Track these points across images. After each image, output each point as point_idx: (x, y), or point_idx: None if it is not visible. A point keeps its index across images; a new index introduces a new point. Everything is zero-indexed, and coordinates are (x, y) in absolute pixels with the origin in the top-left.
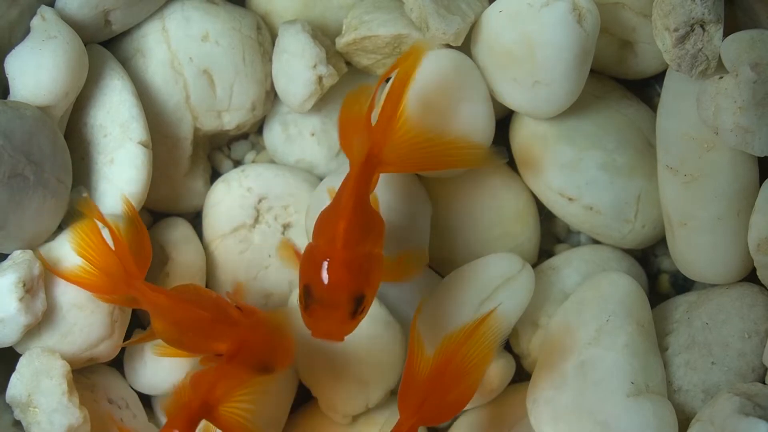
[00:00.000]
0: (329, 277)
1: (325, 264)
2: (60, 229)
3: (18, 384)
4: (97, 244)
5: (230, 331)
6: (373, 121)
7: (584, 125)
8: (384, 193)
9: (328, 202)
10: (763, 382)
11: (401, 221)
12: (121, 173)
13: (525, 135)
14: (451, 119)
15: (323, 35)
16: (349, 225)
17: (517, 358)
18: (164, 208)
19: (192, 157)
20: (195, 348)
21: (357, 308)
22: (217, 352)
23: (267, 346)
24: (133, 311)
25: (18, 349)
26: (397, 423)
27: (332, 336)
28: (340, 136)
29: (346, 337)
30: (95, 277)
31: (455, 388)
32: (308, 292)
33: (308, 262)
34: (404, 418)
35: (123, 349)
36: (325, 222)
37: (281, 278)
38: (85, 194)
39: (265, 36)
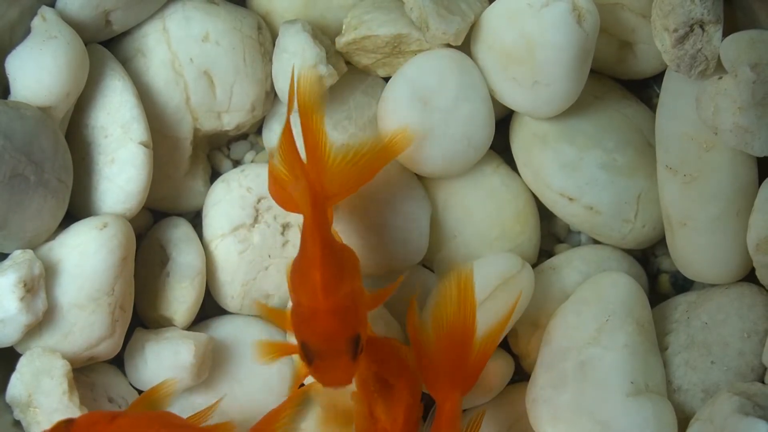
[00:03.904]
0: (321, 331)
1: (314, 319)
2: (60, 228)
3: (18, 384)
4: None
5: None
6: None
7: (584, 125)
8: (384, 193)
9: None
10: (763, 382)
11: (401, 221)
12: (121, 173)
13: (525, 135)
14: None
15: (323, 35)
16: (324, 273)
17: (517, 358)
18: (164, 208)
19: (192, 157)
20: None
21: (356, 349)
22: None
23: None
24: (134, 311)
25: (18, 349)
26: (437, 408)
27: (341, 383)
28: (272, 191)
29: None
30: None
31: (470, 350)
32: (307, 349)
33: (298, 320)
34: (441, 400)
35: (123, 348)
36: (300, 275)
37: (281, 278)
38: None
39: (265, 36)
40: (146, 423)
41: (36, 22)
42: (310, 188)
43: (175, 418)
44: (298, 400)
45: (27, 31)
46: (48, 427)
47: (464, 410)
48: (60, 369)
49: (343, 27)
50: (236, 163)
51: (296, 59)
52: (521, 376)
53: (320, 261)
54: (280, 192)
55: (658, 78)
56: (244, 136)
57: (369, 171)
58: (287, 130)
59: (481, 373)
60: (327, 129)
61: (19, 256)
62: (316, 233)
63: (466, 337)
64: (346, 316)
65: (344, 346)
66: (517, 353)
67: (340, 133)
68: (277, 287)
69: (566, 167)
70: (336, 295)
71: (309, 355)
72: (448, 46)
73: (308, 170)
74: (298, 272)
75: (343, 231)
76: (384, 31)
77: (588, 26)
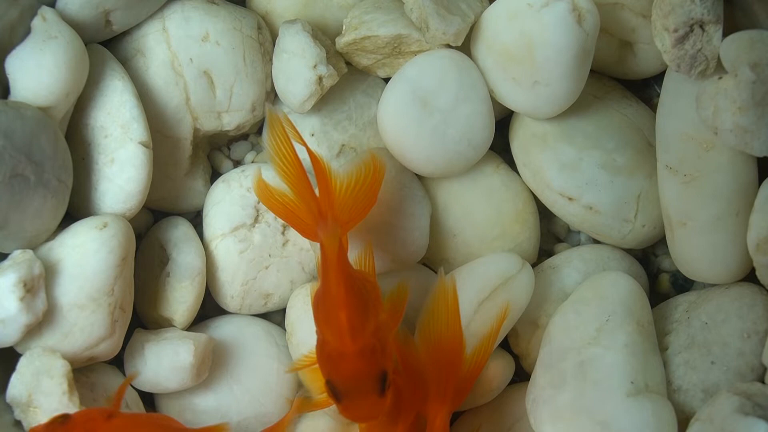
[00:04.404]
0: (350, 372)
1: (342, 361)
2: (60, 228)
3: (18, 384)
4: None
5: None
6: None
7: (584, 125)
8: (384, 192)
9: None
10: (763, 382)
11: (401, 221)
12: (121, 173)
13: (525, 135)
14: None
15: (323, 35)
16: (349, 315)
17: (517, 358)
18: (165, 208)
19: (192, 157)
20: None
21: (383, 386)
22: None
23: None
24: (134, 311)
25: (18, 349)
26: (427, 423)
27: (370, 418)
28: (277, 210)
29: None
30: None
31: (459, 364)
32: (334, 387)
33: (325, 358)
34: (431, 415)
35: (123, 348)
36: (325, 313)
37: (281, 278)
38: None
39: (265, 36)
40: (142, 423)
41: (36, 22)
42: (334, 226)
43: (171, 421)
44: (301, 410)
45: (27, 31)
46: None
47: (464, 411)
48: (60, 369)
49: (343, 27)
50: (236, 164)
51: (296, 59)
52: (521, 376)
53: (345, 301)
54: (289, 215)
55: (658, 78)
56: (244, 137)
57: (372, 194)
58: (298, 164)
59: (471, 387)
60: (331, 128)
61: (19, 256)
62: (340, 273)
63: (455, 351)
64: (373, 356)
65: (372, 385)
66: (517, 353)
67: (340, 133)
68: (277, 287)
69: (566, 167)
70: (362, 335)
71: (337, 393)
72: (448, 46)
73: (326, 206)
74: (323, 310)
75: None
76: (384, 31)
77: (588, 26)
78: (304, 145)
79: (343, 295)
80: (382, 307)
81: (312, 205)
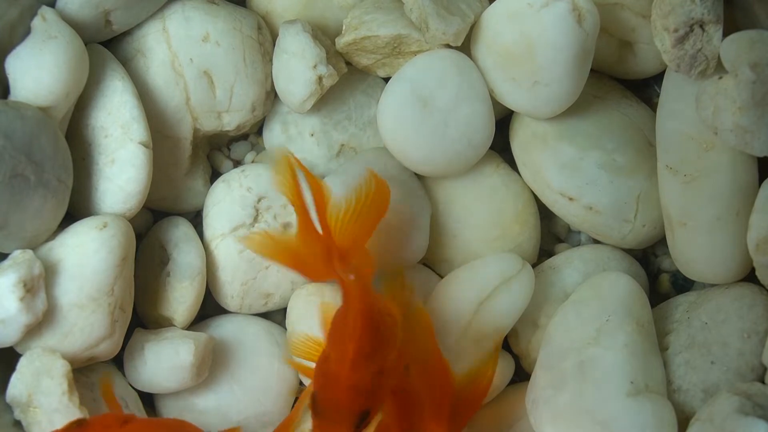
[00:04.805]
0: (334, 398)
1: (334, 384)
2: (60, 228)
3: (18, 384)
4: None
5: None
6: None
7: (584, 125)
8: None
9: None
10: (763, 382)
11: (401, 221)
12: (121, 173)
13: (525, 135)
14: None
15: (323, 35)
16: (357, 350)
17: (517, 358)
18: (165, 208)
19: (192, 157)
20: None
21: (360, 423)
22: None
23: None
24: (134, 310)
25: (18, 349)
26: None
27: None
28: (288, 261)
29: None
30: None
31: (449, 385)
32: (315, 403)
33: (320, 372)
34: None
35: (123, 348)
36: (337, 335)
37: (281, 278)
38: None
39: (265, 36)
40: (158, 428)
41: (36, 22)
42: (325, 250)
43: (187, 426)
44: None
45: (27, 31)
46: (50, 427)
47: None
48: (60, 369)
49: (343, 27)
50: (236, 164)
51: (296, 59)
52: (521, 376)
53: (358, 336)
54: (298, 262)
55: (658, 78)
56: (244, 137)
57: (375, 217)
58: (301, 206)
59: (476, 409)
60: (331, 128)
61: (19, 256)
62: (360, 306)
63: (441, 372)
64: (362, 394)
65: (348, 419)
66: (517, 353)
67: (339, 133)
68: (277, 286)
69: (566, 167)
70: (363, 372)
71: (315, 408)
72: (448, 46)
73: (332, 243)
74: (337, 329)
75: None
76: (384, 31)
77: (588, 26)
78: (306, 173)
79: (359, 330)
80: (396, 347)
81: (317, 245)
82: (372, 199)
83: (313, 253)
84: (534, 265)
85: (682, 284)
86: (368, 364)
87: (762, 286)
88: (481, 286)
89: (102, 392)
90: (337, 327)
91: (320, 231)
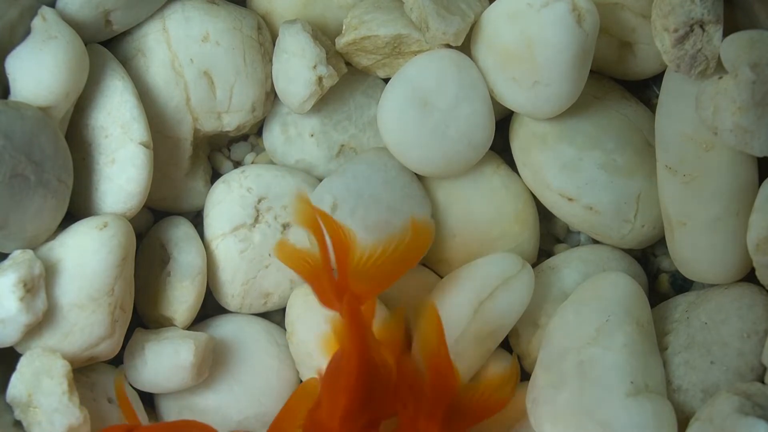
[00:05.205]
0: None
1: None
2: (61, 228)
3: (18, 384)
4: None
5: None
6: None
7: (584, 125)
8: (384, 192)
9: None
10: (762, 382)
11: (401, 221)
12: (122, 173)
13: (525, 135)
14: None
15: (323, 35)
16: (348, 404)
17: (517, 358)
18: (165, 208)
19: (192, 157)
20: None
21: None
22: None
23: None
24: (134, 310)
25: (19, 349)
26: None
27: None
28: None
29: None
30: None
31: (452, 386)
32: None
33: (310, 422)
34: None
35: (123, 348)
36: (332, 378)
37: (281, 278)
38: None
39: (265, 36)
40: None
41: (36, 22)
42: (337, 291)
43: (195, 426)
44: (304, 394)
45: (27, 31)
46: (50, 427)
47: None
48: (60, 369)
49: (343, 27)
50: (237, 164)
51: (296, 59)
52: (521, 376)
53: (350, 387)
54: (314, 278)
55: (658, 78)
56: (244, 137)
57: (400, 267)
58: (322, 244)
59: (475, 422)
60: (331, 129)
61: (19, 256)
62: (354, 352)
63: (446, 373)
64: None
65: None
66: (517, 353)
67: (340, 133)
68: (277, 286)
69: (566, 167)
70: (352, 425)
71: None
72: (448, 46)
73: (344, 281)
74: (331, 376)
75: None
76: (384, 31)
77: (588, 26)
78: (327, 219)
79: (352, 381)
80: (390, 395)
81: (330, 278)
82: (405, 248)
83: (328, 286)
84: (533, 266)
85: (682, 284)
86: (359, 417)
87: (762, 286)
88: (481, 286)
89: (116, 391)
90: (331, 373)
91: (336, 273)
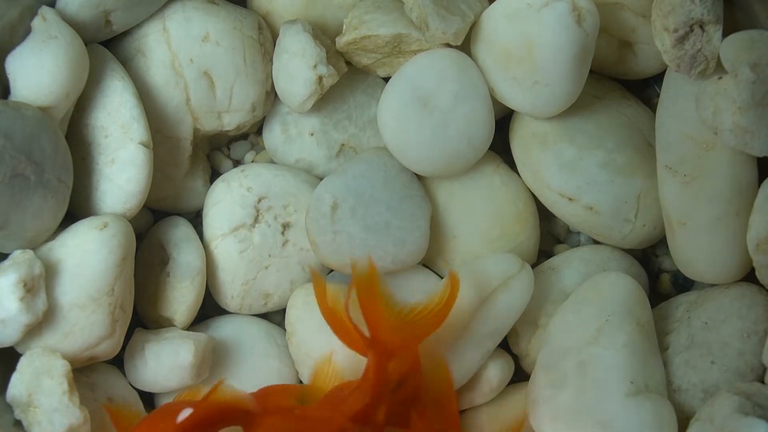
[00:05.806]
0: None
1: None
2: (61, 228)
3: (18, 384)
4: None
5: None
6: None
7: (584, 125)
8: (384, 192)
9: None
10: (762, 382)
11: (401, 221)
12: (122, 173)
13: (525, 135)
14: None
15: (323, 35)
16: None
17: (517, 358)
18: (165, 208)
19: (192, 157)
20: None
21: None
22: None
23: None
24: (134, 310)
25: (19, 349)
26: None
27: None
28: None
29: None
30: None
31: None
32: None
33: None
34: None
35: (123, 347)
36: (330, 402)
37: (281, 278)
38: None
39: (266, 36)
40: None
41: (36, 22)
42: (367, 348)
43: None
44: (299, 394)
45: (27, 31)
46: (51, 427)
47: (463, 410)
48: (60, 369)
49: (344, 27)
50: (236, 163)
51: (296, 59)
52: (521, 376)
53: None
54: (345, 334)
55: (658, 78)
56: (244, 137)
57: (434, 323)
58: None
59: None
60: (331, 128)
61: (19, 256)
62: (371, 402)
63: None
64: None
65: None
66: (517, 353)
67: (340, 132)
68: (277, 287)
69: (566, 167)
70: None
71: None
72: (448, 46)
73: (375, 338)
74: (338, 403)
75: (344, 231)
76: (384, 31)
77: (588, 26)
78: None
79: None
80: None
81: (360, 333)
82: (441, 305)
83: (358, 338)
84: (533, 266)
85: (683, 284)
86: None
87: (762, 286)
88: (481, 286)
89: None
90: (341, 402)
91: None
